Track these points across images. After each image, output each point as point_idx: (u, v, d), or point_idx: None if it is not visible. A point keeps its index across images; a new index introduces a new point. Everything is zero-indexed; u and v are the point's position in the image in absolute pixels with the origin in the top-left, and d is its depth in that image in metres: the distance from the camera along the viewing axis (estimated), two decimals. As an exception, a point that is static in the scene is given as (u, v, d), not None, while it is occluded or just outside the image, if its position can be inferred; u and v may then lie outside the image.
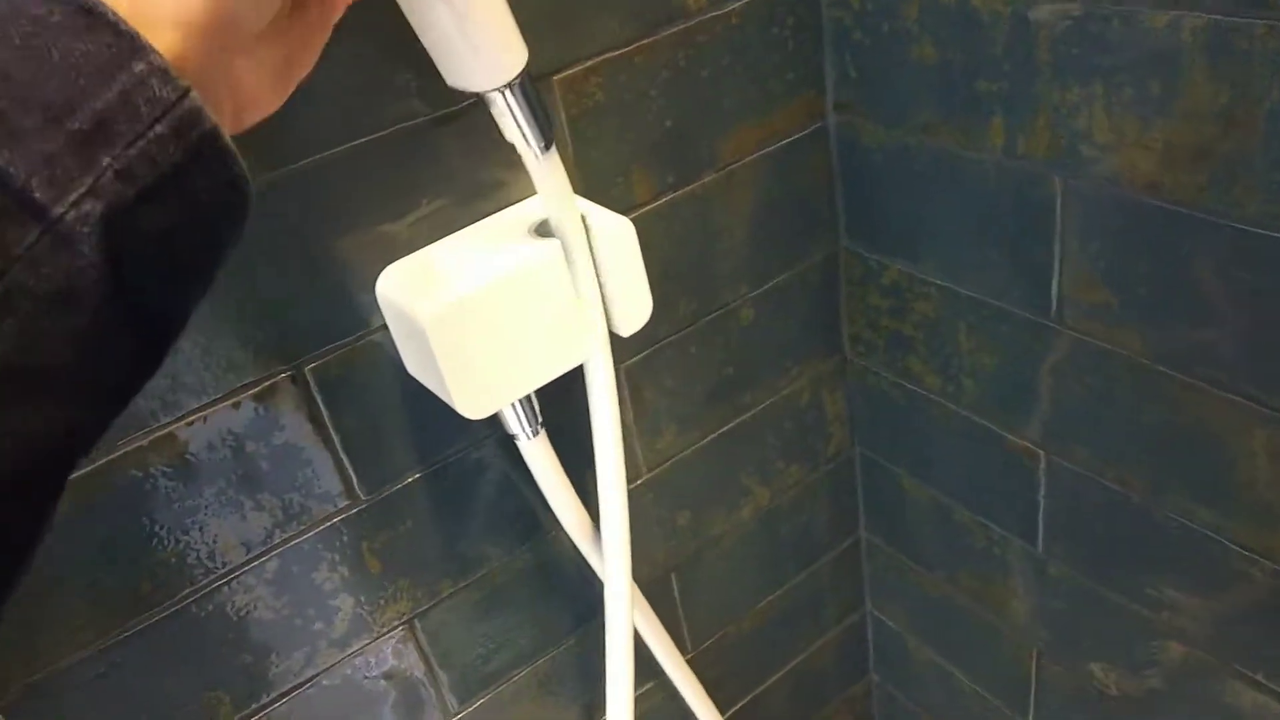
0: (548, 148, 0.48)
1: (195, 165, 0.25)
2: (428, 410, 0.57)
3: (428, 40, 0.44)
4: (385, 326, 0.54)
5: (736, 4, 0.61)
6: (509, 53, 0.44)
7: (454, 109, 0.52)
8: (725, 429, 0.75)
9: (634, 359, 0.67)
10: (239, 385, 0.51)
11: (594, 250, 0.54)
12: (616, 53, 0.57)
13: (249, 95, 0.32)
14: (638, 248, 0.54)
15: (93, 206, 0.23)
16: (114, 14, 0.24)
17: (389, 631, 0.62)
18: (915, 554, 0.89)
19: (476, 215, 0.56)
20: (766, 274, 0.72)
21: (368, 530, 0.58)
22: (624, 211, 0.60)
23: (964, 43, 0.57)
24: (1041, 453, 0.69)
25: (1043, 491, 0.71)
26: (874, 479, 0.88)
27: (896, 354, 0.76)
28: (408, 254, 0.54)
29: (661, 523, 0.75)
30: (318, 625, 0.58)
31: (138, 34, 0.24)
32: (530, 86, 0.46)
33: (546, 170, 0.49)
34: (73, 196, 0.23)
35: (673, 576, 0.78)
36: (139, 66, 0.24)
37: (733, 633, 0.86)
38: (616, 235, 0.54)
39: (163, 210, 0.25)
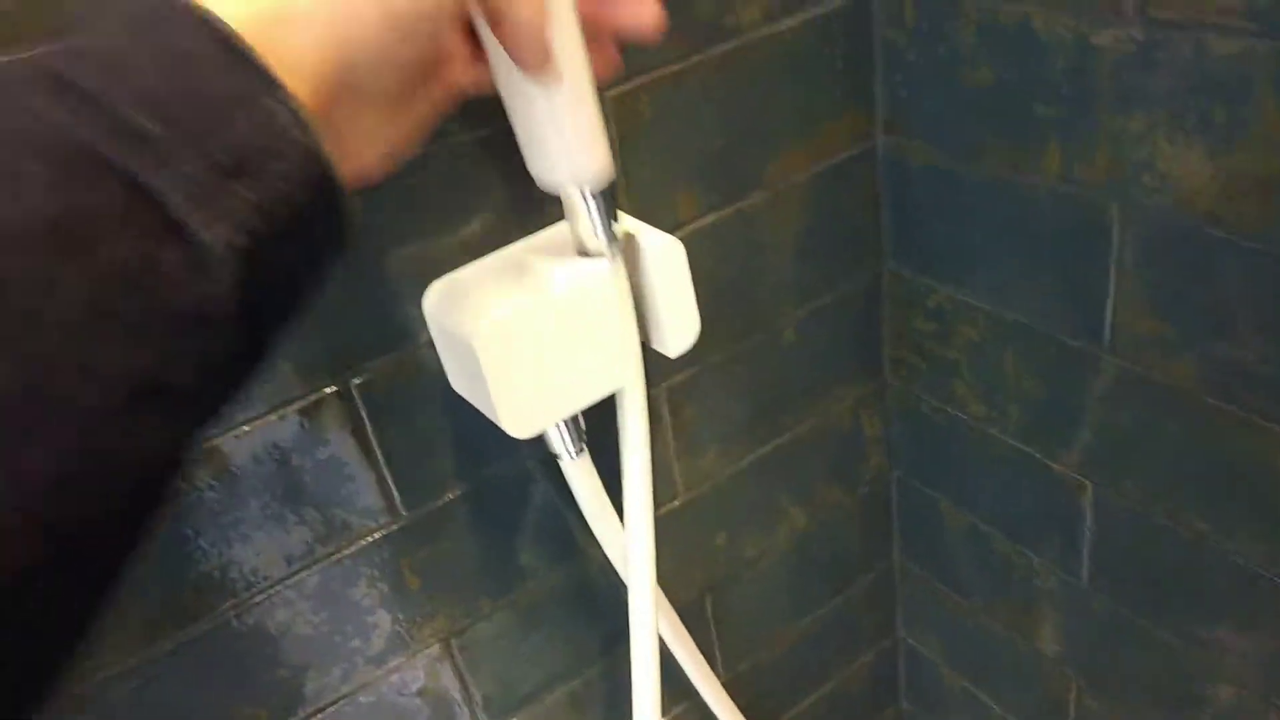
0: (613, 258, 0.49)
1: (318, 207, 0.27)
2: (471, 427, 0.57)
3: (520, 129, 0.45)
4: (431, 343, 0.54)
5: (790, 22, 0.60)
6: (594, 153, 0.45)
7: (497, 130, 0.52)
8: (765, 450, 0.75)
9: (677, 378, 0.66)
10: (284, 399, 0.50)
11: (642, 270, 0.53)
12: (668, 70, 0.57)
13: (356, 161, 0.33)
14: (687, 268, 0.54)
15: (232, 235, 0.24)
16: (256, 54, 0.25)
17: (426, 649, 0.61)
18: (952, 581, 0.87)
19: (522, 231, 0.55)
20: (810, 295, 0.71)
21: (408, 547, 0.58)
22: (670, 230, 0.59)
23: (1023, 66, 0.56)
24: (1088, 483, 0.68)
25: (1088, 523, 0.69)
26: (911, 504, 0.86)
27: (940, 378, 0.75)
28: (453, 270, 0.53)
29: (699, 544, 0.74)
30: (355, 642, 0.58)
31: (278, 77, 0.25)
32: (610, 193, 0.47)
33: (612, 273, 0.50)
34: (216, 224, 0.24)
35: (707, 598, 0.77)
36: (275, 106, 0.25)
37: (765, 657, 0.85)
38: (666, 255, 0.53)
39: (288, 244, 0.26)
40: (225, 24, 0.25)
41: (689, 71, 0.57)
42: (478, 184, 0.53)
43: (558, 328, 0.50)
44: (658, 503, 0.69)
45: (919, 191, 0.68)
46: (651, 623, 0.62)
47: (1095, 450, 0.66)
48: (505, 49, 0.37)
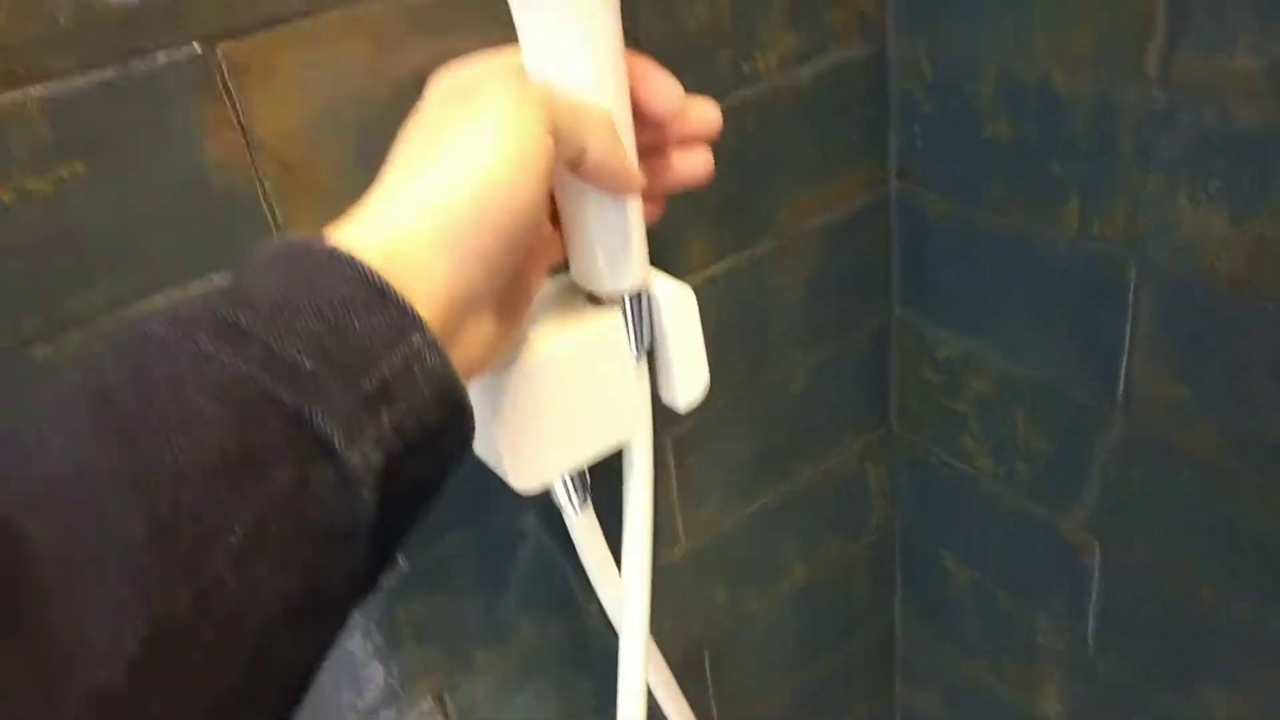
0: (640, 357, 0.51)
1: (449, 424, 0.29)
2: (473, 477, 0.55)
3: (571, 238, 0.46)
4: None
5: (807, 71, 0.60)
6: (636, 266, 0.47)
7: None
8: (768, 500, 0.73)
9: (681, 427, 0.65)
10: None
11: (653, 319, 0.52)
12: (684, 118, 0.56)
13: (467, 364, 0.36)
14: (698, 318, 0.53)
15: (376, 456, 0.27)
16: (400, 296, 0.28)
17: (419, 702, 0.59)
18: (954, 637, 0.86)
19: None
20: (818, 342, 0.70)
21: (405, 598, 0.56)
22: (680, 275, 0.58)
23: (1042, 123, 0.55)
24: (1097, 544, 0.66)
25: (1096, 585, 0.68)
26: (915, 557, 0.85)
27: (947, 430, 0.74)
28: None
29: (699, 597, 0.73)
30: (346, 695, 0.56)
31: (418, 313, 0.28)
32: (647, 302, 0.49)
33: (636, 374, 0.51)
34: (363, 447, 0.26)
35: (706, 652, 0.76)
36: (416, 339, 0.28)
37: (761, 712, 0.83)
38: (677, 303, 0.52)
39: (423, 459, 0.29)
40: (370, 269, 0.28)
41: (705, 119, 0.57)
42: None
43: (567, 379, 0.49)
44: (658, 554, 0.67)
45: (932, 241, 0.67)
46: (641, 677, 0.60)
47: (1104, 510, 0.65)
48: (594, 186, 0.40)
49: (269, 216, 0.45)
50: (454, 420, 0.30)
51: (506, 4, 0.39)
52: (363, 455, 0.26)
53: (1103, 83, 0.51)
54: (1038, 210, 0.58)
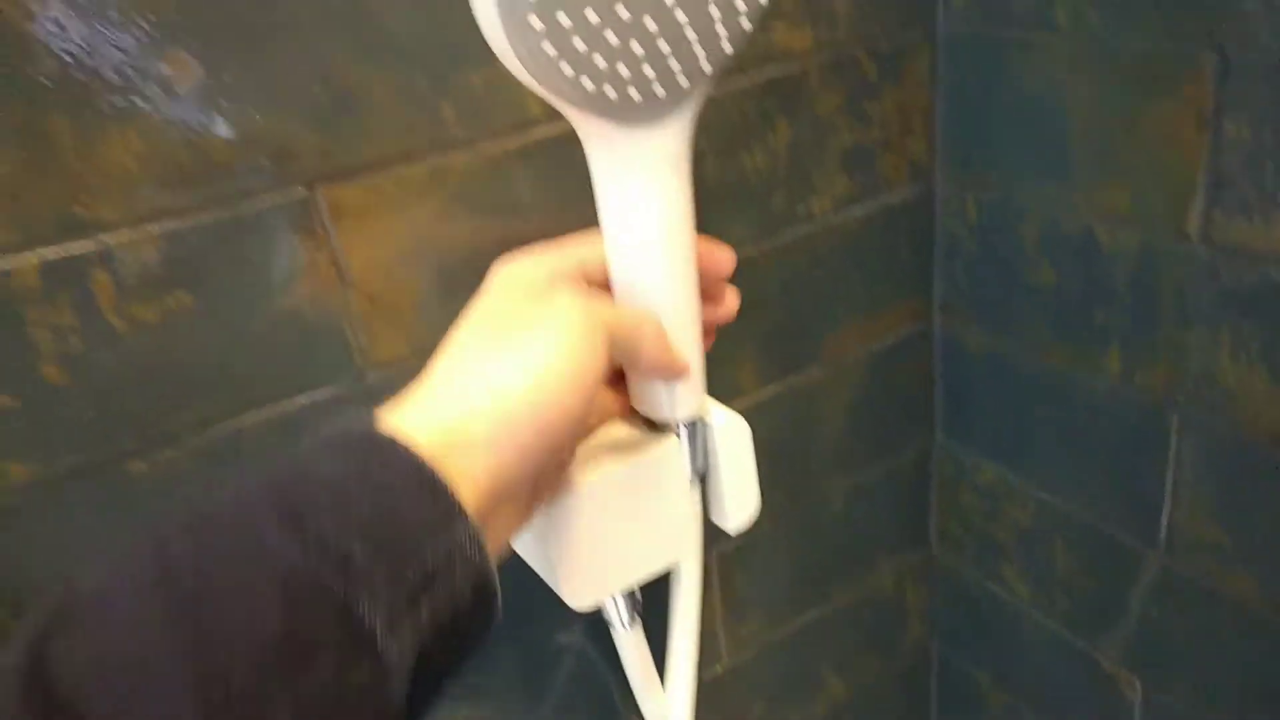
0: (694, 482, 0.53)
1: (480, 611, 0.31)
2: (520, 591, 0.57)
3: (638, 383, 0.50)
4: (494, 503, 0.55)
5: (857, 211, 0.63)
6: (694, 397, 0.50)
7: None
8: (808, 617, 0.74)
9: (727, 545, 0.67)
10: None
11: (708, 445, 0.54)
12: (743, 255, 0.59)
13: (501, 538, 0.38)
14: (752, 447, 0.55)
15: (411, 644, 0.28)
16: (449, 487, 0.29)
17: (458, 812, 0.60)
18: (989, 763, 0.85)
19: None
20: (860, 466, 0.72)
21: (448, 709, 0.57)
22: (730, 399, 0.61)
23: (1085, 272, 0.58)
24: (1137, 681, 0.66)
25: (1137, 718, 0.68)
26: (951, 680, 0.85)
27: (987, 556, 0.75)
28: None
29: (738, 713, 0.73)
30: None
31: (463, 505, 0.29)
32: (704, 430, 0.52)
33: (690, 498, 0.53)
34: (400, 639, 0.27)
35: (740, 769, 0.76)
36: (460, 530, 0.29)
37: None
38: (732, 432, 0.54)
39: (452, 646, 0.30)
40: (423, 459, 0.29)
41: (761, 256, 0.60)
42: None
43: (625, 502, 0.51)
44: (700, 669, 0.68)
45: (973, 374, 0.69)
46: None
47: (1144, 648, 0.65)
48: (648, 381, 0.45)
49: (353, 343, 0.48)
50: (483, 609, 0.31)
51: (579, 163, 0.42)
52: (399, 647, 0.27)
53: (1144, 239, 0.54)
54: (1079, 354, 0.60)
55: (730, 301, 0.48)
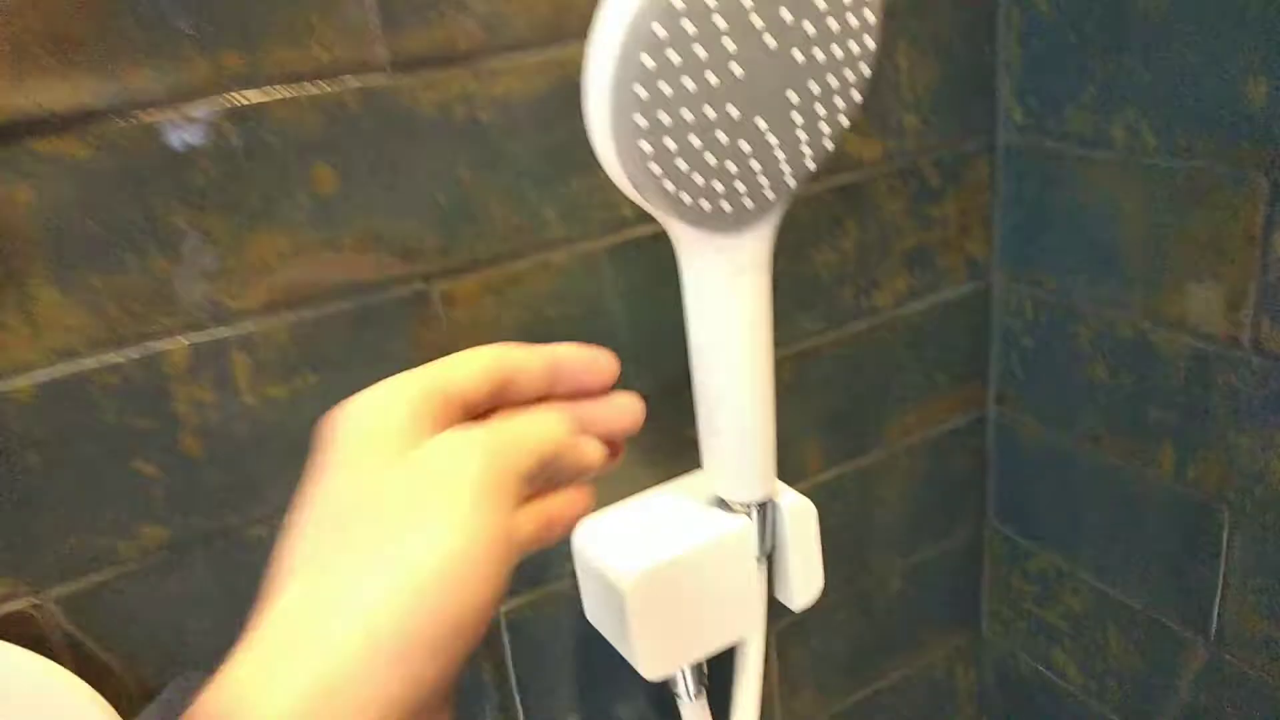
0: (762, 561, 0.57)
1: None
2: (597, 658, 0.60)
3: (707, 449, 0.54)
4: (573, 573, 0.58)
5: (918, 305, 0.66)
6: (765, 480, 0.55)
7: (647, 385, 0.58)
8: (861, 695, 0.76)
9: (786, 620, 0.69)
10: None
11: (775, 526, 0.57)
12: (809, 344, 0.63)
13: None
14: (817, 529, 0.58)
15: None
16: None
17: None
18: None
19: (657, 473, 0.60)
20: (915, 547, 0.74)
21: (523, 769, 0.60)
22: (793, 480, 0.64)
23: (1138, 372, 0.60)
24: (1189, 770, 0.68)
25: (1188, 810, 0.69)
26: (999, 761, 0.86)
27: (1038, 639, 0.77)
28: (601, 510, 0.58)
29: (789, 786, 0.75)
30: None
31: None
32: (772, 511, 0.56)
33: (757, 576, 0.57)
34: None
35: (791, 842, 0.77)
36: None
37: None
38: (799, 515, 0.57)
39: None
40: None
41: (827, 345, 0.63)
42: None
43: (697, 578, 0.54)
44: (756, 742, 0.70)
45: (1028, 463, 0.72)
46: None
47: (1197, 737, 0.66)
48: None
49: (454, 422, 0.52)
50: None
51: (666, 260, 0.47)
52: None
53: (1196, 344, 0.57)
54: (1133, 449, 0.63)
55: (630, 408, 0.36)
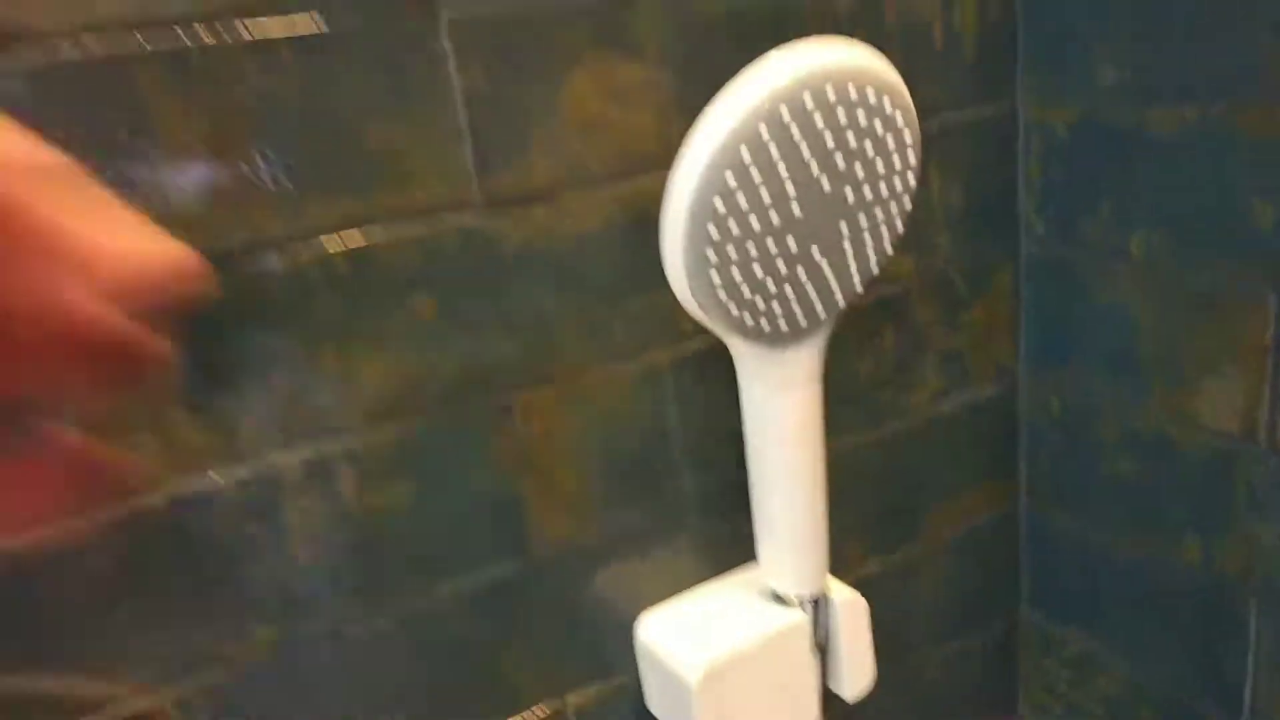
0: (815, 653, 0.60)
1: None
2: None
3: (763, 542, 0.58)
4: (636, 665, 0.61)
5: (949, 405, 0.71)
6: (820, 574, 0.59)
7: (706, 483, 0.62)
8: (903, 782, 0.78)
9: (831, 710, 0.72)
10: (515, 712, 0.58)
11: (828, 619, 0.61)
12: (850, 442, 0.67)
13: None
14: (869, 622, 0.61)
15: None
16: None
17: None
18: None
19: (716, 565, 0.64)
20: (951, 635, 0.77)
21: None
22: (835, 572, 0.67)
23: (1161, 467, 0.65)
24: None
25: None
26: (1039, 847, 0.87)
27: (1073, 726, 0.79)
28: (661, 602, 0.62)
29: None
30: None
31: None
32: (826, 605, 0.60)
33: (812, 667, 0.61)
34: None
35: None
36: None
37: None
38: (851, 609, 0.61)
39: None
40: None
41: (868, 444, 0.68)
42: (685, 525, 0.62)
43: (757, 669, 0.58)
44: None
45: (1059, 553, 0.75)
46: None
47: (1236, 821, 0.68)
48: None
49: (526, 515, 0.56)
50: None
51: (723, 369, 0.51)
52: None
53: (1215, 442, 0.61)
54: (1159, 540, 0.66)
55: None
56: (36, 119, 0.22)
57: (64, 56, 0.40)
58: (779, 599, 0.60)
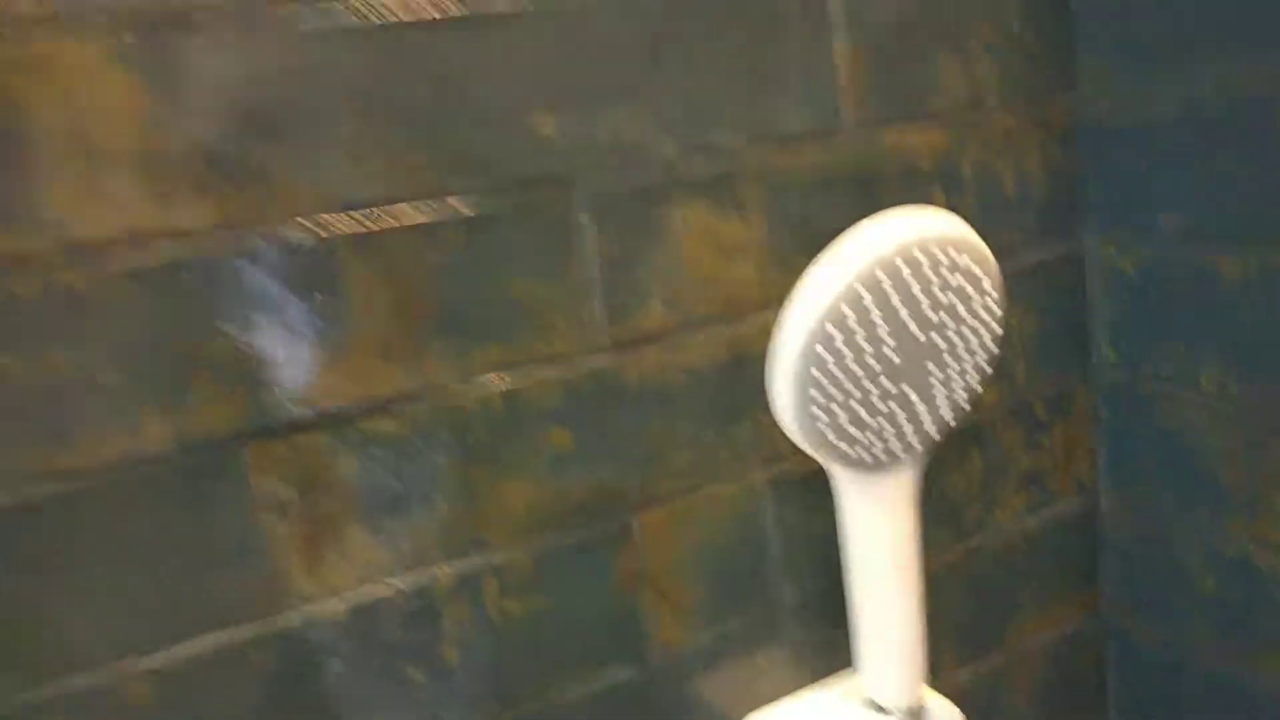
0: None
1: None
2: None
3: (865, 653, 0.62)
4: (742, 767, 0.66)
5: (1032, 520, 0.75)
6: (917, 685, 0.63)
7: (803, 598, 0.67)
8: None
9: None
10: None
11: (924, 728, 0.65)
12: (941, 559, 0.72)
13: None
14: (962, 731, 0.65)
15: None
16: None
17: None
18: None
19: (813, 671, 0.68)
20: (1042, 746, 0.80)
21: None
22: (930, 680, 0.71)
23: (1245, 588, 0.68)
24: None
25: None
26: None
27: (1168, 841, 0.80)
28: (760, 710, 0.66)
29: None
30: None
31: None
32: (923, 716, 0.63)
33: None
34: None
35: None
36: None
37: None
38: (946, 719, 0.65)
39: None
40: None
41: (956, 559, 0.72)
42: (784, 633, 0.67)
43: (858, 775, 0.62)
44: None
45: (1144, 667, 0.78)
46: None
47: None
48: None
49: (643, 628, 0.62)
50: None
51: (818, 489, 0.57)
52: None
53: (1293, 561, 0.64)
54: (1244, 656, 0.69)
55: None
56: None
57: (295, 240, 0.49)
58: (877, 708, 0.65)
